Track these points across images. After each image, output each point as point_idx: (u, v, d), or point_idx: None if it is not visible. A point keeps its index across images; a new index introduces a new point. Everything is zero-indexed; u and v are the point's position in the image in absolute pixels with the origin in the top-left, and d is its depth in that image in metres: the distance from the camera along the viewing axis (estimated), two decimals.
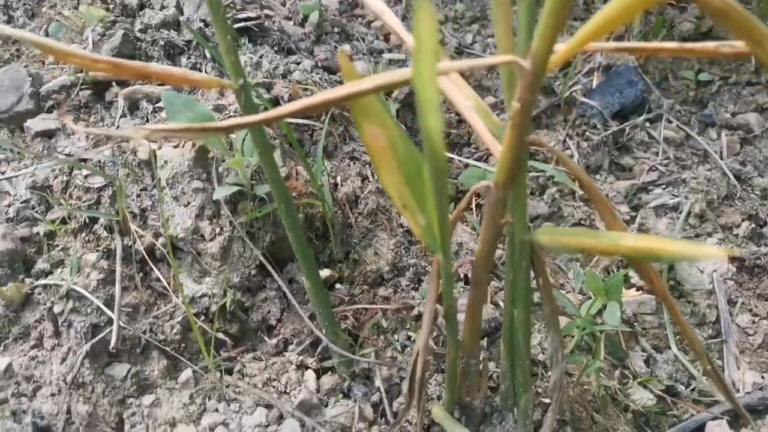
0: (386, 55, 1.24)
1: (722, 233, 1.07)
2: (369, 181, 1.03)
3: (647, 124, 1.23)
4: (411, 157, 0.54)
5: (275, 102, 1.00)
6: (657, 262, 0.55)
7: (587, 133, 1.18)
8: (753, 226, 1.08)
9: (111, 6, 1.19)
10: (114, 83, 1.03)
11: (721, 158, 1.19)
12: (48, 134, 0.99)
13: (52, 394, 0.76)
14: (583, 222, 1.09)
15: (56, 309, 0.78)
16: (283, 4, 1.25)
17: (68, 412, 0.75)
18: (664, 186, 1.14)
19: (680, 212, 1.09)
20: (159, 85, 1.02)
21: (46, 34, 1.26)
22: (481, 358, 0.76)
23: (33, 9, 1.34)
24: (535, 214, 1.10)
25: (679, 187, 1.14)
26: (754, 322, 0.96)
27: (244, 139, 0.81)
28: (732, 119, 1.28)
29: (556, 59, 0.45)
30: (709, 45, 0.50)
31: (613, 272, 1.02)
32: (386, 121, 0.53)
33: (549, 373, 0.66)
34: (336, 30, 1.23)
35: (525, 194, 0.58)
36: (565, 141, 1.19)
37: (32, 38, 0.51)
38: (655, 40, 1.37)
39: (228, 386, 0.81)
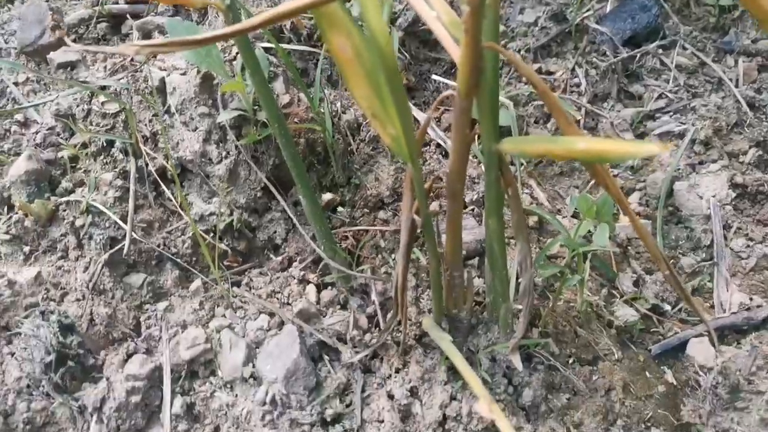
0: None
1: (727, 160, 1.07)
2: None
3: (660, 51, 1.21)
4: (377, 67, 0.57)
5: (279, 30, 1.03)
6: (606, 162, 0.58)
7: (596, 60, 1.17)
8: (760, 152, 1.07)
9: None
10: (128, 16, 1.08)
11: (736, 86, 1.17)
12: (70, 65, 1.06)
13: (77, 299, 0.85)
14: None
15: (78, 223, 0.86)
16: None
17: (91, 314, 0.83)
18: (671, 113, 1.13)
19: (685, 138, 1.08)
20: (170, 16, 1.07)
21: None
22: (464, 270, 0.80)
23: None
24: None
25: (687, 114, 1.13)
26: (748, 246, 0.96)
27: (244, 75, 0.85)
28: (752, 45, 1.24)
29: None
30: None
31: None
32: (351, 31, 0.55)
33: (519, 280, 0.70)
34: None
35: (493, 104, 0.60)
36: (573, 69, 1.19)
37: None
38: None
39: (235, 296, 0.88)
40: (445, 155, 1.06)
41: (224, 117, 0.88)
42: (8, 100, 1.07)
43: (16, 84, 1.07)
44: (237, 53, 0.94)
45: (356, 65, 0.57)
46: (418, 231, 0.73)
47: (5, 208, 0.92)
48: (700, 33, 1.28)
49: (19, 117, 1.03)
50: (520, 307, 0.73)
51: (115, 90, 0.96)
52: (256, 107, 0.92)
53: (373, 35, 0.44)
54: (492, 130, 0.61)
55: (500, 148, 0.60)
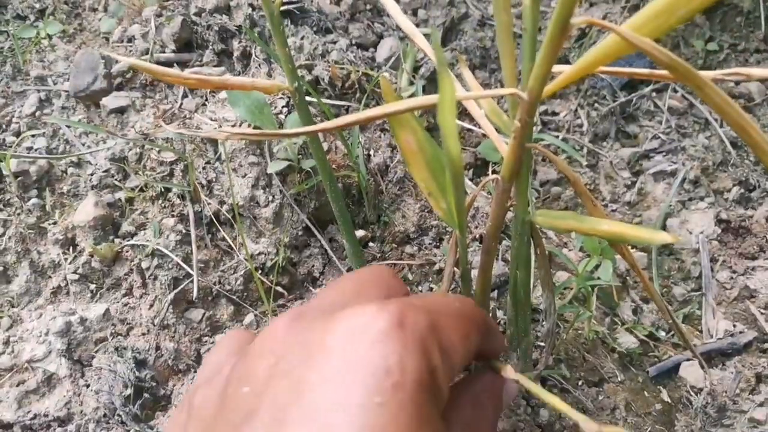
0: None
1: (713, 197, 1.20)
2: (397, 152, 1.17)
3: (654, 94, 1.33)
4: (435, 157, 0.68)
5: (316, 82, 1.13)
6: (624, 243, 0.69)
7: (596, 104, 1.30)
8: (742, 190, 1.20)
9: None
10: (175, 64, 1.17)
11: (721, 126, 1.30)
12: (120, 110, 1.14)
13: (143, 334, 0.95)
14: (588, 187, 1.22)
15: (143, 265, 0.96)
16: None
17: (157, 348, 0.94)
18: (664, 153, 1.26)
19: (676, 177, 1.21)
20: (214, 66, 1.16)
21: (105, 11, 1.39)
22: (490, 308, 0.92)
23: None
24: (545, 179, 1.23)
25: (678, 154, 1.25)
26: (732, 278, 1.10)
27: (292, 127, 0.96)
28: (735, 88, 1.37)
29: (546, 91, 0.58)
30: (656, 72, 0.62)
31: None
32: (416, 129, 0.66)
33: (544, 322, 0.82)
34: (368, 7, 1.33)
35: (527, 183, 0.72)
36: (576, 111, 1.31)
37: (144, 65, 0.65)
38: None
39: None
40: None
41: (274, 168, 0.98)
42: (60, 140, 1.15)
43: (68, 126, 1.16)
44: (283, 107, 1.04)
45: (418, 155, 0.68)
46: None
47: (70, 249, 1.02)
48: None
49: (72, 158, 1.12)
50: (541, 343, 0.85)
51: (168, 138, 1.06)
52: (300, 156, 1.02)
53: (448, 153, 0.55)
54: (525, 204, 0.73)
55: (534, 219, 0.72)
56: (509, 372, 0.66)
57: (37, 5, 1.41)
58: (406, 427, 0.32)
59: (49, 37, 1.34)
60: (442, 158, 0.68)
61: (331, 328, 0.37)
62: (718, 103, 0.54)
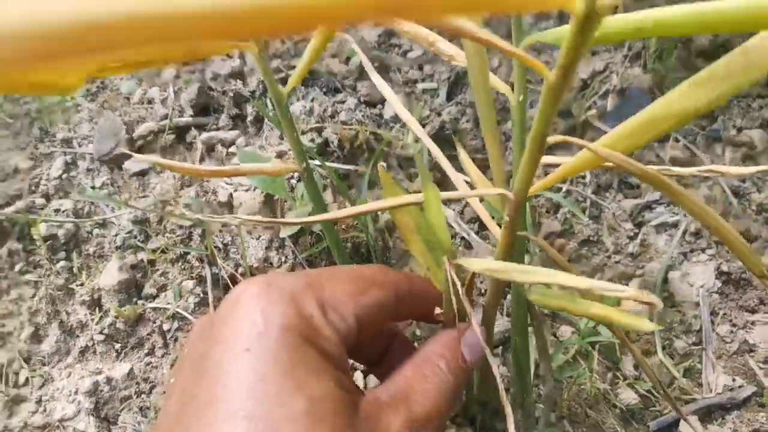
0: (420, 85, 1.40)
1: (715, 248, 1.23)
2: None
3: (656, 144, 1.36)
4: (431, 235, 0.72)
5: (325, 144, 1.19)
6: (611, 326, 0.73)
7: None
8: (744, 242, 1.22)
9: None
10: (193, 128, 1.24)
11: (722, 175, 1.33)
12: (142, 173, 1.21)
13: (164, 392, 1.00)
14: (591, 239, 1.26)
15: (165, 327, 1.02)
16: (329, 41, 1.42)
17: None
18: (665, 204, 1.29)
19: (678, 229, 1.24)
20: (230, 129, 1.23)
21: None
22: (497, 365, 0.95)
23: None
24: (548, 232, 1.27)
25: (680, 205, 1.28)
26: (732, 331, 1.12)
27: (302, 194, 1.01)
28: (737, 136, 1.40)
29: (532, 190, 0.63)
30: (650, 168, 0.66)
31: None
32: (413, 212, 0.71)
33: (541, 387, 0.86)
34: (375, 64, 1.39)
35: (522, 262, 0.76)
36: None
37: (165, 163, 0.71)
38: (669, 59, 1.48)
39: None
40: (469, 246, 1.22)
41: (286, 233, 1.04)
42: (86, 202, 1.22)
43: (93, 188, 1.23)
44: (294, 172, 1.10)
45: (414, 233, 0.73)
46: None
47: (96, 309, 1.08)
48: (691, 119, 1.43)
49: (97, 218, 1.19)
50: (542, 406, 0.89)
51: (189, 197, 1.12)
52: None
53: (440, 243, 0.60)
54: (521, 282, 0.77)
55: (529, 296, 0.76)
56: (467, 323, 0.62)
57: None
58: (274, 365, 0.38)
59: (73, 97, 1.42)
60: (436, 238, 0.72)
61: (221, 307, 0.44)
62: (697, 212, 0.58)
